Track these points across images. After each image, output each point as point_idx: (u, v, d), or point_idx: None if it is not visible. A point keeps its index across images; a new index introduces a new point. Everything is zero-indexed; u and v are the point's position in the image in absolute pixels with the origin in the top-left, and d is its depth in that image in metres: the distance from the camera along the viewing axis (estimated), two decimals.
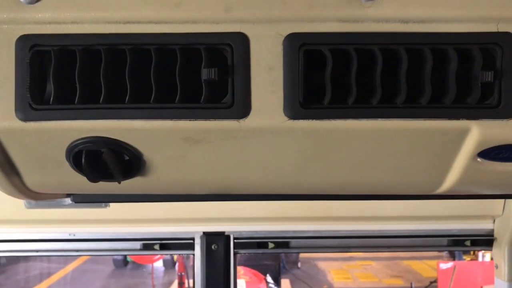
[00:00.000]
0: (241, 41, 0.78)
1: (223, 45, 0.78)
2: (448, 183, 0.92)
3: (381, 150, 0.85)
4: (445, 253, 10.55)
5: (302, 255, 10.85)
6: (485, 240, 1.97)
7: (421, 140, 0.82)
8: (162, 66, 0.78)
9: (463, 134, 0.81)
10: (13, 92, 0.79)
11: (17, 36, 0.78)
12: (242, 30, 0.78)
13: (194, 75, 0.78)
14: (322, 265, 10.96)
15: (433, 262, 9.83)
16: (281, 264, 9.14)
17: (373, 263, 11.14)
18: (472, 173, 0.88)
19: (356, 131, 0.81)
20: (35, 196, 1.01)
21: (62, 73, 0.78)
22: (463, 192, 1.02)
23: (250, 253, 8.22)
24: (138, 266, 10.49)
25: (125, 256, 10.44)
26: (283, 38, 0.78)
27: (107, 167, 0.87)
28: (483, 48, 0.77)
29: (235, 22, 0.78)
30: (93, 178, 0.88)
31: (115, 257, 10.54)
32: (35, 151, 0.86)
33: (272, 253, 8.42)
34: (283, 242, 1.97)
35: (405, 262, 11.10)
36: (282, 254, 9.47)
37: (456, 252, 9.69)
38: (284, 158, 0.88)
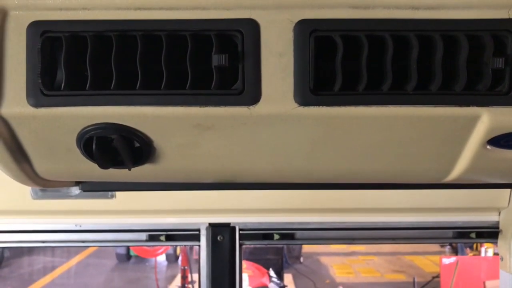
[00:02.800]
0: (252, 27, 0.78)
1: (233, 31, 0.78)
2: (457, 171, 0.92)
3: (391, 137, 0.85)
4: (447, 248, 10.55)
5: (304, 250, 10.88)
6: (490, 232, 1.97)
7: (431, 127, 0.82)
8: (172, 53, 0.78)
9: (473, 121, 0.81)
10: (24, 78, 0.79)
11: (28, 23, 0.79)
12: (252, 17, 0.78)
13: (205, 62, 0.78)
14: (324, 259, 10.97)
15: (435, 258, 9.83)
16: (284, 259, 9.16)
17: (375, 258, 11.15)
18: (482, 161, 0.88)
19: (366, 118, 0.81)
20: (45, 184, 1.01)
21: (73, 59, 0.79)
22: (472, 181, 1.02)
23: (255, 245, 8.28)
24: (141, 260, 10.52)
25: (128, 250, 10.48)
26: (293, 25, 0.78)
27: (117, 153, 0.87)
28: (494, 34, 0.77)
29: (245, 8, 0.78)
30: (103, 165, 0.88)
31: (118, 251, 10.58)
32: (46, 138, 0.87)
33: (277, 246, 8.49)
34: (288, 234, 1.98)
35: (408, 257, 11.10)
36: (285, 249, 9.49)
37: (459, 247, 9.70)
38: (294, 145, 0.88)
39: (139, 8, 0.78)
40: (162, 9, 0.78)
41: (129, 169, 0.91)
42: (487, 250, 8.15)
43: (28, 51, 0.79)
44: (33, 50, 0.78)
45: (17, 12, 0.79)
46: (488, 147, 0.86)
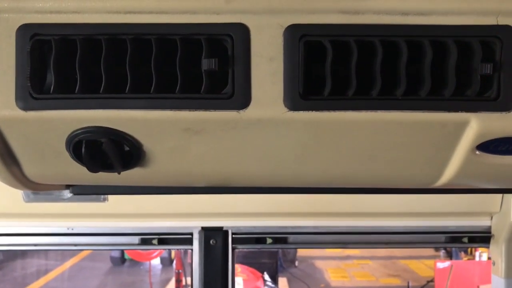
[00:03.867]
0: (242, 32, 0.78)
1: (223, 35, 0.78)
2: (446, 176, 0.92)
3: (380, 142, 0.85)
4: (442, 253, 10.57)
5: (299, 253, 10.87)
6: (483, 237, 1.97)
7: (420, 132, 0.83)
8: (162, 57, 0.78)
9: (462, 127, 0.81)
10: (13, 81, 0.79)
11: (18, 25, 0.78)
12: (242, 21, 0.78)
13: (195, 66, 0.78)
14: (319, 263, 10.96)
15: (430, 262, 9.84)
16: (278, 263, 9.14)
17: (370, 262, 11.15)
18: (471, 166, 0.89)
19: (355, 123, 0.81)
20: (35, 187, 1.01)
21: (62, 62, 0.78)
22: (462, 186, 1.02)
23: (248, 249, 8.27)
24: (135, 263, 10.48)
25: (122, 253, 10.44)
26: (283, 29, 0.78)
27: (107, 157, 0.87)
28: (483, 40, 0.77)
29: (235, 12, 0.78)
30: (93, 168, 0.88)
31: (113, 254, 10.53)
32: (35, 141, 0.86)
33: (270, 250, 8.48)
34: (281, 238, 1.98)
35: (402, 261, 11.11)
36: (280, 253, 9.48)
37: (453, 252, 9.72)
38: (283, 149, 0.88)
39: (129, 12, 0.78)
40: (152, 13, 0.78)
41: (119, 173, 0.91)
42: (481, 254, 8.16)
43: (18, 54, 0.79)
44: (22, 53, 0.78)
45: (6, 15, 0.79)
46: (477, 152, 0.86)
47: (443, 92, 0.79)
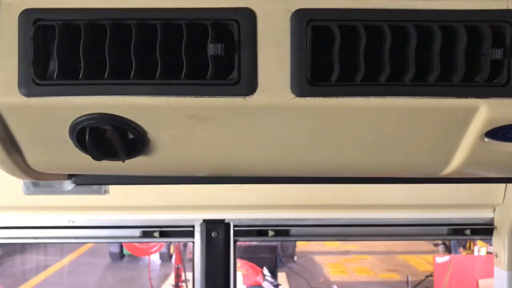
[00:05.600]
0: (248, 16, 0.77)
1: (229, 20, 0.77)
2: (454, 164, 0.91)
3: (388, 129, 0.84)
4: (441, 247, 10.60)
5: (298, 249, 10.89)
6: (485, 229, 1.97)
7: (429, 118, 0.82)
8: (167, 42, 0.77)
9: (471, 113, 0.80)
10: (16, 67, 0.78)
11: (20, 10, 0.77)
12: (249, 5, 0.77)
13: (200, 52, 0.77)
14: (318, 258, 10.99)
15: (429, 257, 9.86)
16: (278, 257, 9.16)
17: (369, 257, 11.18)
18: (479, 154, 0.88)
19: (363, 109, 0.80)
20: (37, 176, 1.00)
21: (66, 48, 0.77)
22: (469, 174, 1.01)
23: (249, 244, 8.27)
24: (134, 259, 10.49)
25: (121, 249, 10.45)
26: (290, 14, 0.77)
27: (111, 145, 0.86)
28: (493, 25, 0.76)
29: None
30: (96, 156, 0.87)
31: (112, 250, 10.54)
32: (38, 128, 0.85)
33: (270, 245, 8.48)
34: (283, 230, 1.97)
35: (401, 256, 11.14)
36: (279, 248, 9.50)
37: (452, 246, 9.74)
38: (290, 137, 0.87)
39: None
40: None
41: (123, 161, 0.90)
42: (480, 249, 8.19)
43: (20, 39, 0.77)
44: (25, 39, 0.77)
45: (9, 0, 0.77)
46: (486, 139, 0.85)
47: (452, 78, 0.78)
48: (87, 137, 0.84)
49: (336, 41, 0.76)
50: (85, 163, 0.91)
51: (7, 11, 0.77)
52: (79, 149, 0.87)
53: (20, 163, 0.93)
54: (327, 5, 0.77)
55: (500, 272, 1.90)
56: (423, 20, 0.77)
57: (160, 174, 1.06)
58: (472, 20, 0.77)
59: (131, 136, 0.87)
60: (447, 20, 0.77)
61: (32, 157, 0.93)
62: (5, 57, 0.78)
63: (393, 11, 0.77)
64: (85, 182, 1.14)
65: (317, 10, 0.77)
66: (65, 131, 0.85)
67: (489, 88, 0.78)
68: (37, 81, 0.78)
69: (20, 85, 0.78)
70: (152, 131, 0.86)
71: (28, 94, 0.79)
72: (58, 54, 0.77)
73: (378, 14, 0.77)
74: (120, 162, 0.91)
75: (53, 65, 0.78)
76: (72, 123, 0.83)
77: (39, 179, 1.02)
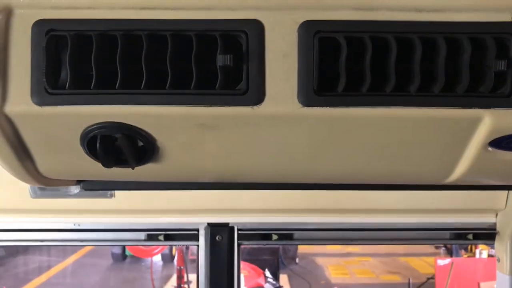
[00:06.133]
0: (256, 28, 0.78)
1: (238, 32, 0.78)
2: (458, 173, 0.92)
3: (393, 138, 0.86)
4: (442, 250, 10.59)
5: (300, 250, 10.88)
6: (487, 234, 1.97)
7: (433, 128, 0.83)
8: (177, 53, 0.79)
9: (475, 123, 0.82)
10: (29, 77, 0.80)
11: (34, 21, 0.79)
12: (257, 17, 0.78)
13: (210, 62, 0.79)
14: (319, 260, 10.98)
15: (430, 259, 9.86)
16: (279, 259, 9.16)
17: (370, 259, 11.17)
18: (483, 163, 0.89)
19: (369, 119, 0.81)
20: (47, 182, 1.01)
21: (78, 58, 0.79)
22: (472, 182, 1.03)
23: (251, 246, 8.27)
24: (136, 260, 10.49)
25: (123, 250, 10.45)
26: (298, 26, 0.78)
27: (121, 152, 0.87)
28: (497, 37, 0.78)
29: (250, 9, 0.78)
30: (107, 164, 0.88)
31: (114, 251, 10.54)
32: (49, 136, 0.87)
33: (274, 246, 8.47)
34: (287, 234, 1.98)
35: (403, 259, 11.13)
36: (280, 250, 9.49)
37: (454, 249, 9.73)
38: (297, 145, 0.88)
39: (145, 8, 0.79)
40: (168, 9, 0.78)
41: (133, 168, 0.91)
42: (481, 252, 8.18)
43: (33, 49, 0.79)
44: (37, 49, 0.79)
45: (22, 11, 0.79)
46: (490, 149, 0.86)
47: (456, 88, 0.80)
48: (98, 145, 0.85)
49: (342, 52, 0.78)
50: (95, 169, 0.92)
51: (21, 22, 0.79)
52: (90, 156, 0.89)
53: (31, 170, 0.95)
54: (333, 17, 0.78)
55: (502, 277, 1.91)
56: (428, 32, 0.78)
57: (168, 180, 1.07)
58: (476, 32, 0.78)
59: (140, 143, 0.88)
60: (452, 32, 0.78)
61: (43, 164, 0.95)
62: (18, 67, 0.80)
63: (398, 23, 0.78)
64: (94, 187, 1.16)
65: (324, 22, 0.78)
66: (76, 139, 0.87)
67: (493, 98, 0.80)
68: (49, 90, 0.79)
69: (33, 94, 0.80)
70: (161, 139, 0.88)
71: (41, 103, 0.80)
72: (70, 64, 0.78)
73: (384, 26, 0.78)
74: (129, 169, 0.92)
75: (65, 75, 0.79)
76: (83, 131, 0.85)
77: (48, 185, 1.03)
